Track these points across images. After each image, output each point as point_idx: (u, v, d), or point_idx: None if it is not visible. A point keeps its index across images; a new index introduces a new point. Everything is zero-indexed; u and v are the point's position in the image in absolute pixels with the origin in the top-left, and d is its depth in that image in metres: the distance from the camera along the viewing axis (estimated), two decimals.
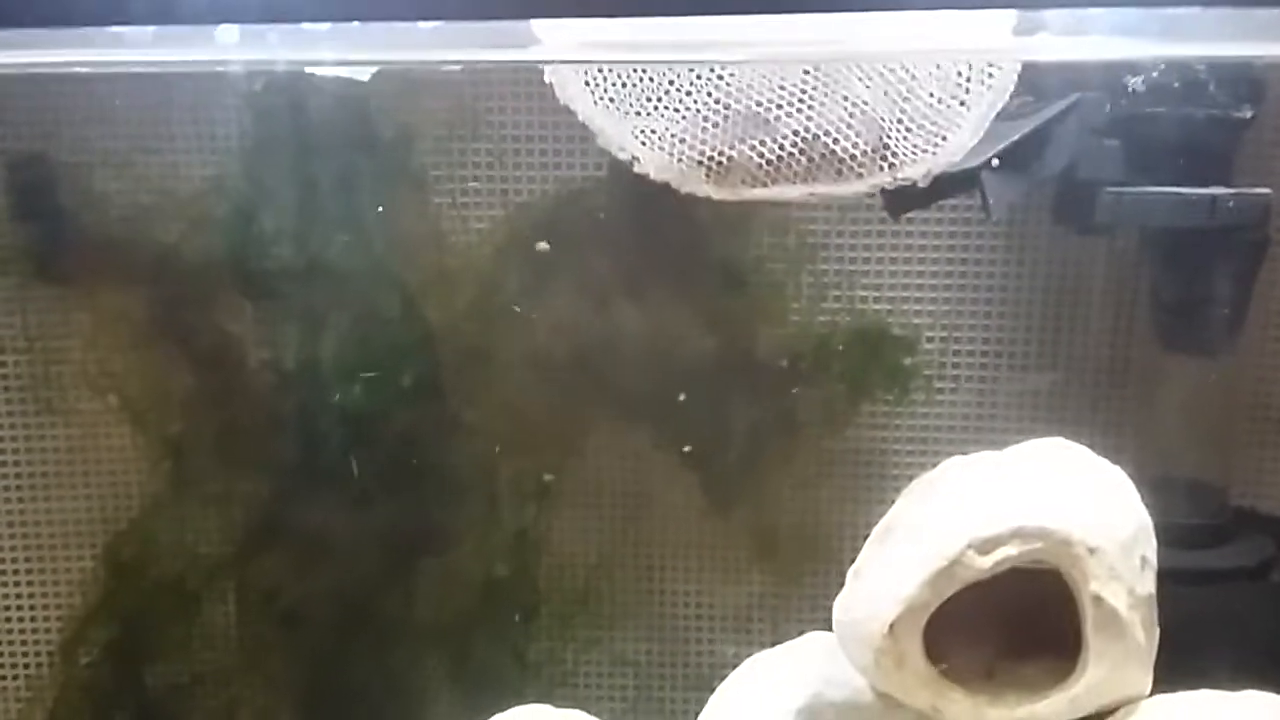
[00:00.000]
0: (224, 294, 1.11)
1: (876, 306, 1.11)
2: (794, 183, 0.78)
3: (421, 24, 0.69)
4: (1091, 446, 0.83)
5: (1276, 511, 1.03)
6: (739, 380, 1.11)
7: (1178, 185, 0.88)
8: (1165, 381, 0.95)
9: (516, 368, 1.12)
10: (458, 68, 0.98)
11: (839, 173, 0.78)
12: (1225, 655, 0.89)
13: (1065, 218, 0.93)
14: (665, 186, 1.07)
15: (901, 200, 0.90)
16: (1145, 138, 0.88)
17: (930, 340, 1.10)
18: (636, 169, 0.82)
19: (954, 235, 1.08)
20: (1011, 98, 0.90)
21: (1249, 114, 0.88)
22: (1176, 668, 0.81)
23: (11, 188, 1.09)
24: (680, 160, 0.80)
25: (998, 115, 0.89)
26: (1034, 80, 0.91)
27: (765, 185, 0.79)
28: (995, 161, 0.83)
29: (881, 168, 0.77)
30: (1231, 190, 0.88)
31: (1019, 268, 1.07)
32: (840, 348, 1.09)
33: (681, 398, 0.95)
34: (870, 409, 1.11)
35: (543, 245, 1.02)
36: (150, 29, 0.85)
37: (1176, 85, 0.88)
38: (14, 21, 0.73)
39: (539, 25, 0.73)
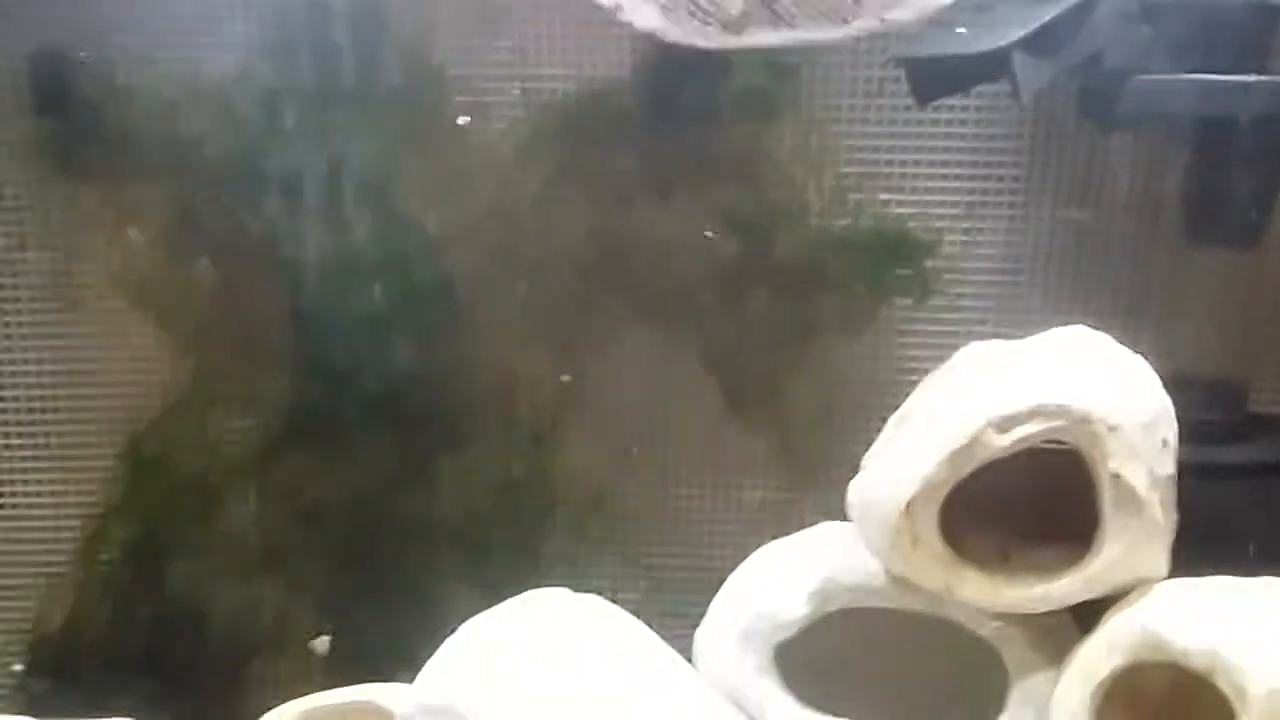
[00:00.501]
0: (246, 192, 1.10)
1: (899, 210, 1.10)
2: (777, 28, 0.77)
3: None
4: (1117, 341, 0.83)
5: None
6: (758, 282, 1.10)
7: (1207, 72, 0.86)
8: (1194, 276, 0.94)
9: (536, 269, 1.12)
10: None
11: (820, 17, 0.76)
12: (1246, 548, 0.89)
13: (1094, 105, 0.92)
14: (687, 84, 1.07)
15: (929, 86, 0.89)
16: (1177, 23, 0.86)
17: (952, 243, 1.10)
18: (620, 18, 0.80)
19: (978, 135, 1.07)
20: None
21: None
22: (1197, 559, 0.81)
23: (33, 83, 1.09)
24: (664, 7, 0.79)
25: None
26: None
27: (748, 32, 0.77)
28: (1022, 44, 0.82)
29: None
30: (1266, 77, 0.87)
31: (1043, 169, 1.07)
32: (860, 249, 1.09)
33: (709, 233, 0.91)
34: (889, 312, 1.11)
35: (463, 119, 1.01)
36: None
37: None
38: None
39: None
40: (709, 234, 1.03)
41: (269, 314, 1.12)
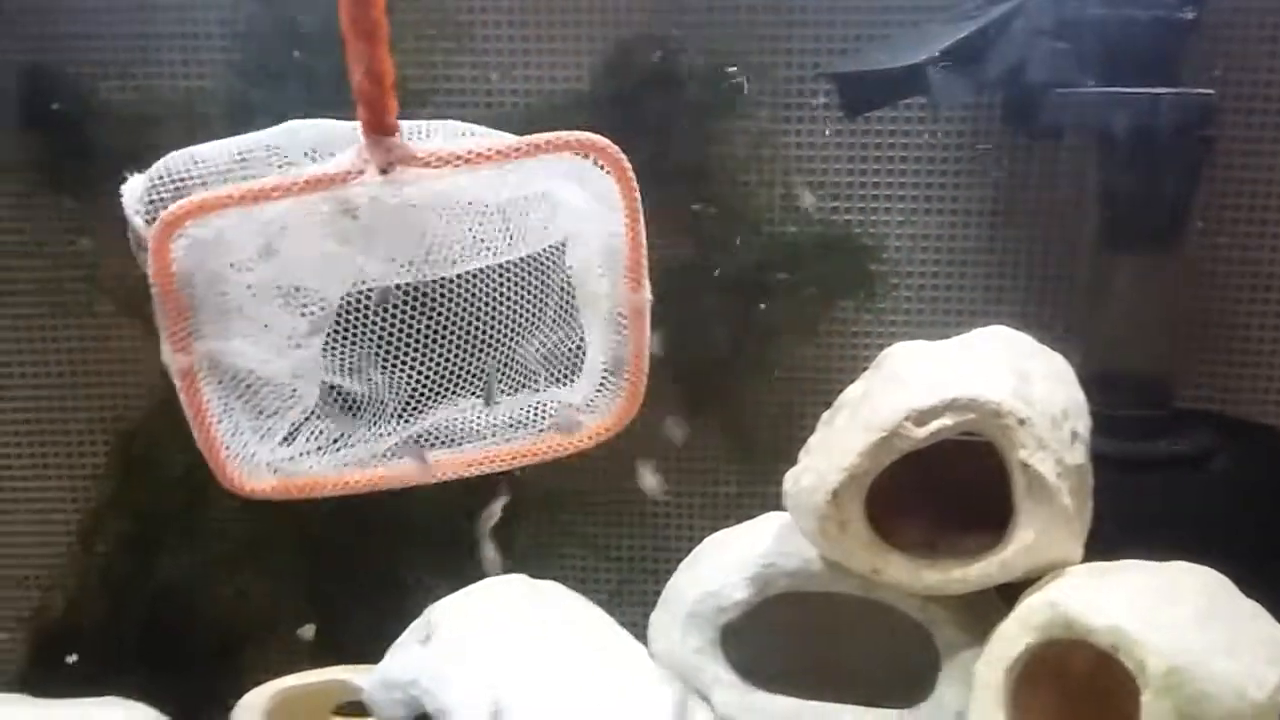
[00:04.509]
0: None
1: (845, 217, 1.15)
2: None
3: None
4: (1044, 343, 0.88)
5: (1215, 405, 1.08)
6: (715, 285, 1.15)
7: (1123, 86, 0.91)
8: (1112, 279, 0.99)
9: None
10: None
11: None
12: (1165, 536, 0.94)
13: (1018, 117, 0.97)
14: (643, 98, 1.11)
15: (856, 100, 0.94)
16: (1091, 39, 0.91)
17: (898, 248, 1.15)
18: None
19: (919, 145, 1.12)
20: None
21: (1191, 16, 0.91)
22: (1120, 546, 0.86)
23: (21, 98, 1.15)
24: None
25: (946, 17, 0.93)
26: None
27: None
28: (942, 59, 0.87)
29: None
30: (1174, 90, 0.92)
31: (970, 176, 1.12)
32: (809, 255, 1.14)
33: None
34: (837, 313, 1.16)
35: None
36: None
37: None
38: None
39: None
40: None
41: None
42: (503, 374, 0.83)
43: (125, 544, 1.24)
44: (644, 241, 0.79)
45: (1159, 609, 0.78)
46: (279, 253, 0.77)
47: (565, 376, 0.83)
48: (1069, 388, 0.85)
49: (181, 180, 0.79)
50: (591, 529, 1.24)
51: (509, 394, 0.84)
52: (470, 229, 0.78)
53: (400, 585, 1.22)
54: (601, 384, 0.84)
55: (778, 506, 0.97)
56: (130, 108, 1.12)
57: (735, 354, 1.17)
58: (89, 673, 1.21)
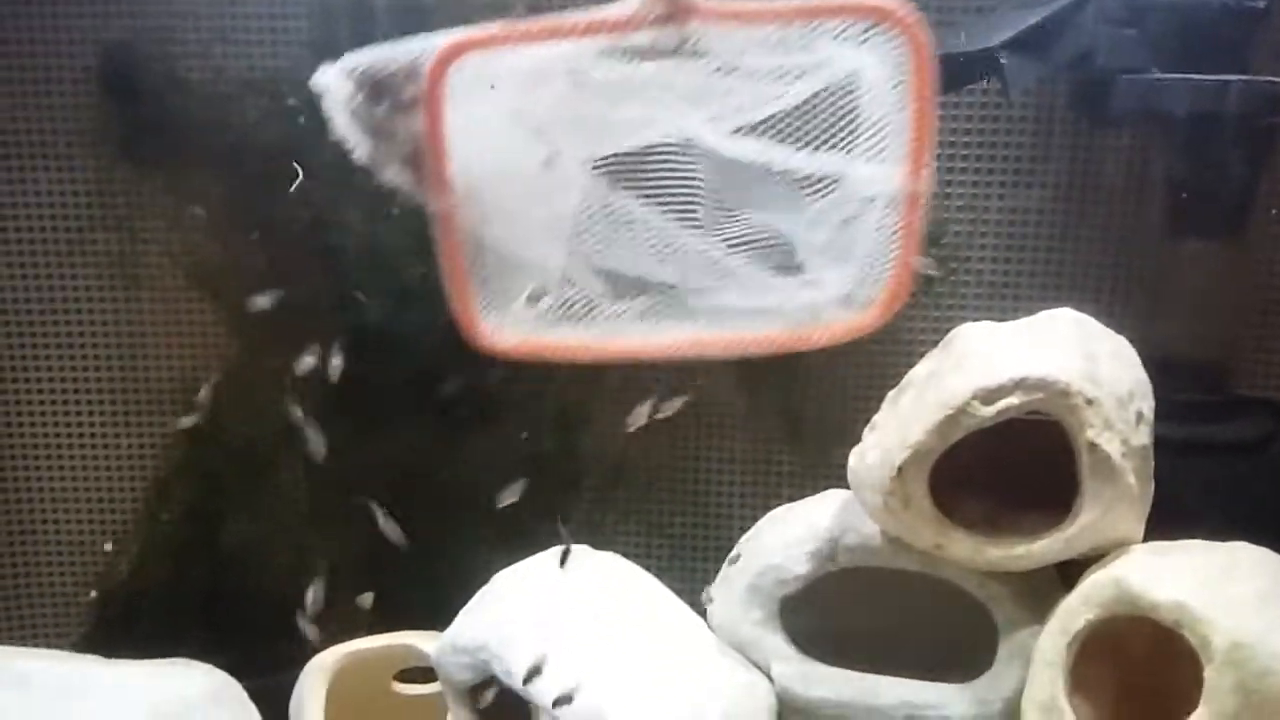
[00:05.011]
0: (294, 177, 1.18)
1: None
2: None
3: None
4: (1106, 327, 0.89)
5: (1275, 391, 1.09)
6: None
7: (1191, 73, 0.92)
8: (1175, 265, 1.00)
9: None
10: None
11: None
12: (1225, 519, 0.95)
13: (1085, 103, 0.98)
14: None
15: None
16: (1160, 27, 0.92)
17: (957, 233, 1.16)
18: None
19: (982, 131, 1.13)
20: None
21: (1262, 3, 0.92)
22: (1180, 528, 0.87)
23: (100, 75, 1.17)
24: None
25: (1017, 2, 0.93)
26: None
27: None
28: (1013, 45, 0.88)
29: None
30: (1243, 78, 0.92)
31: (1035, 163, 1.12)
32: None
33: None
34: None
35: None
36: None
37: None
38: None
39: None
40: None
41: (317, 293, 1.20)
42: (761, 252, 0.75)
43: (190, 511, 1.27)
44: (933, 120, 0.70)
45: (1221, 587, 0.79)
46: (542, 104, 0.73)
47: (823, 265, 0.75)
48: (1134, 370, 0.86)
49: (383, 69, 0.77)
50: (646, 505, 1.26)
51: (762, 274, 0.76)
52: (741, 92, 0.71)
53: (456, 556, 1.25)
54: (863, 276, 0.76)
55: (829, 486, 0.98)
56: (208, 85, 1.15)
57: None
58: (155, 636, 1.24)
